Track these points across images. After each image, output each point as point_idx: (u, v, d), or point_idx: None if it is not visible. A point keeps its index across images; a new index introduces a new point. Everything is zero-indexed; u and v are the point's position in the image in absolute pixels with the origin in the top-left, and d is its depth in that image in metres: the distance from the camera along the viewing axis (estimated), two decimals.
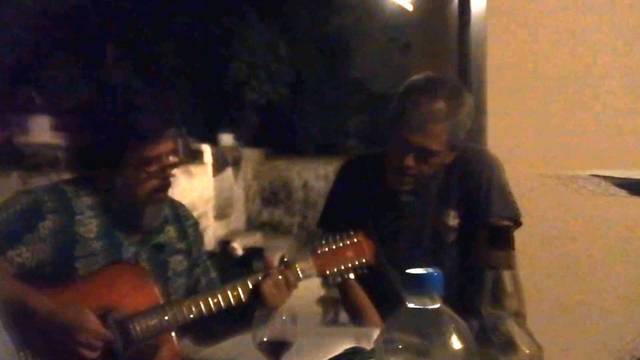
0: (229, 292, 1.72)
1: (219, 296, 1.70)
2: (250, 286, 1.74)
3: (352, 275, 1.85)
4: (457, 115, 1.95)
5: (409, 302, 0.85)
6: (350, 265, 1.84)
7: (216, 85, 11.30)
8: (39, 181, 4.78)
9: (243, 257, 6.84)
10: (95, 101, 1.80)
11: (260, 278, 1.75)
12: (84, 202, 1.78)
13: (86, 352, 1.58)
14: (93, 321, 1.59)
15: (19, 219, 1.70)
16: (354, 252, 1.85)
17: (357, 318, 2.18)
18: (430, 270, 0.84)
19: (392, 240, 1.96)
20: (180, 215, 1.96)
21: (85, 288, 1.69)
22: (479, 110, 2.49)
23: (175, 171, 1.79)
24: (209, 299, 1.70)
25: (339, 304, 2.78)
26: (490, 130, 2.57)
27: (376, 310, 2.14)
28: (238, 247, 7.24)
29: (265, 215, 10.69)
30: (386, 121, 2.06)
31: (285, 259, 1.79)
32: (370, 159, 2.23)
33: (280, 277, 1.74)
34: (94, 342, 1.58)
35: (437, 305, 0.84)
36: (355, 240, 1.85)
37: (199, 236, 2.00)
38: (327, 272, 1.82)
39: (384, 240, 1.98)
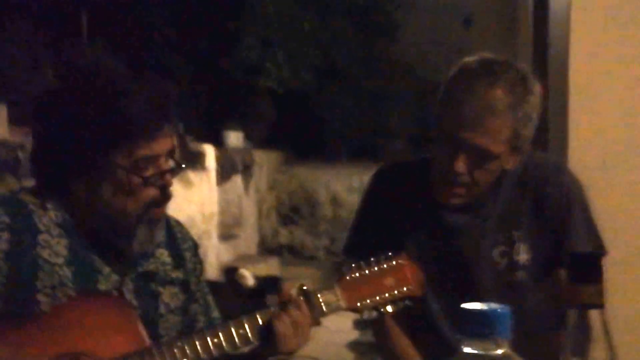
0: (233, 331, 1.74)
1: (221, 335, 1.72)
2: (261, 323, 1.75)
3: (390, 309, 1.86)
4: (522, 107, 1.96)
5: (465, 347, 0.87)
6: (388, 295, 1.85)
7: (222, 69, 11.37)
8: None
9: (255, 288, 6.87)
10: (69, 87, 1.83)
11: (273, 313, 1.75)
12: (51, 217, 1.79)
13: None
14: None
15: None
16: (393, 279, 1.86)
17: None
18: (494, 305, 0.86)
19: (437, 275, 1.95)
20: (176, 236, 1.98)
21: (48, 327, 1.71)
22: (558, 112, 2.48)
23: (172, 180, 1.82)
24: (208, 339, 1.72)
25: (375, 349, 2.79)
26: (572, 139, 2.56)
27: (421, 357, 2.15)
28: (248, 276, 7.27)
29: (284, 236, 10.72)
30: (432, 115, 2.07)
31: (305, 287, 1.81)
32: (411, 167, 2.24)
33: (298, 312, 1.75)
34: None
35: (501, 351, 0.86)
36: (395, 263, 1.85)
37: (199, 263, 2.02)
38: (359, 305, 1.83)
39: (427, 275, 1.98)
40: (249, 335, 1.74)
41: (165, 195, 1.81)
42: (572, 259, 1.03)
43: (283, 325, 1.74)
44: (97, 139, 1.75)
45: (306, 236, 10.68)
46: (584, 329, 1.02)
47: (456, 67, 2.05)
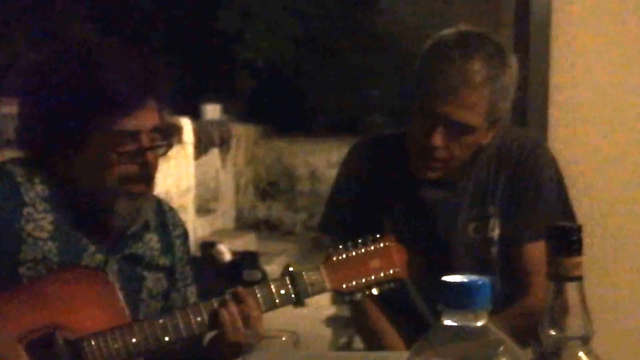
0: (204, 312, 1.74)
1: (203, 313, 1.72)
2: (215, 308, 1.74)
3: (375, 291, 1.87)
4: (499, 80, 1.97)
5: (445, 319, 0.88)
6: (374, 277, 1.86)
7: (199, 40, 11.32)
8: None
9: (232, 264, 6.88)
10: (51, 59, 1.82)
11: (221, 301, 1.73)
12: (37, 191, 1.78)
13: None
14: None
15: None
16: (379, 261, 1.86)
17: (374, 344, 2.20)
18: (474, 277, 0.86)
19: (413, 249, 1.97)
20: (167, 223, 1.97)
21: (28, 298, 1.71)
22: (539, 91, 2.49)
23: (159, 157, 1.79)
24: (191, 317, 1.72)
25: (353, 326, 2.80)
26: (552, 117, 2.57)
27: (398, 335, 2.16)
28: (225, 251, 7.28)
29: (261, 211, 10.74)
30: (409, 88, 2.07)
31: (290, 268, 1.80)
32: (387, 141, 2.24)
33: (246, 304, 1.73)
34: None
35: (480, 323, 0.87)
36: (382, 245, 1.86)
37: (187, 252, 2.01)
38: (344, 286, 1.84)
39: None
40: (205, 322, 1.73)
41: (145, 173, 1.79)
42: (553, 231, 1.04)
43: (228, 316, 1.74)
44: (75, 112, 1.74)
45: (284, 211, 10.71)
46: (562, 301, 1.03)
47: (432, 39, 2.05)
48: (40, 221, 1.77)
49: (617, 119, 2.61)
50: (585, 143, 2.60)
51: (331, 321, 4.68)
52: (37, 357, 1.61)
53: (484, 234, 2.12)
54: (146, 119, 1.77)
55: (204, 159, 8.82)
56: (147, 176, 1.80)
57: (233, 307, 1.74)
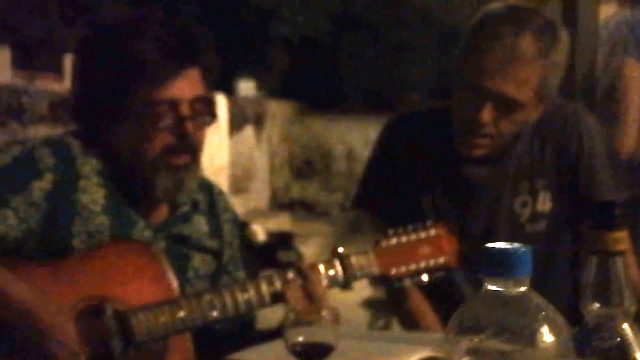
0: (264, 287, 1.79)
1: (252, 291, 1.77)
2: (278, 287, 1.78)
3: (425, 278, 1.91)
4: (550, 55, 1.99)
5: (487, 285, 0.93)
6: (424, 265, 1.90)
7: (233, 15, 11.35)
8: None
9: (265, 245, 6.94)
10: (91, 35, 1.89)
11: (286, 281, 1.78)
12: (92, 164, 1.85)
13: None
14: (69, 331, 1.65)
15: (8, 174, 1.78)
16: (429, 248, 1.90)
17: (412, 327, 2.23)
18: (516, 245, 0.92)
19: (456, 230, 2.00)
20: (217, 206, 2.03)
21: (79, 269, 1.77)
22: (587, 65, 2.50)
23: (202, 130, 1.83)
24: (238, 295, 1.77)
25: (389, 307, 2.83)
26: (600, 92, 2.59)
27: (439, 321, 2.20)
28: (259, 232, 7.35)
29: (296, 190, 10.78)
30: (455, 63, 2.09)
31: (340, 250, 1.85)
32: (427, 117, 2.26)
33: (312, 285, 1.78)
34: (62, 357, 1.63)
35: (523, 289, 0.92)
36: (433, 233, 1.90)
37: (237, 237, 2.06)
38: (393, 272, 1.88)
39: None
40: (266, 297, 1.78)
41: (185, 144, 1.83)
42: (594, 206, 1.08)
43: (294, 297, 1.78)
44: (115, 83, 1.80)
45: (319, 191, 10.73)
46: (605, 276, 1.07)
47: (480, 14, 2.07)
48: (94, 194, 1.84)
49: None
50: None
51: (368, 304, 4.73)
52: (85, 327, 1.68)
53: (533, 208, 2.14)
54: (185, 88, 1.81)
55: (238, 137, 8.87)
56: (189, 148, 1.84)
57: (297, 284, 1.79)
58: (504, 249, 0.92)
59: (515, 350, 0.88)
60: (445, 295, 2.16)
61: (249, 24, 11.33)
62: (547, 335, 0.90)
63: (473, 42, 2.03)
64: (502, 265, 0.91)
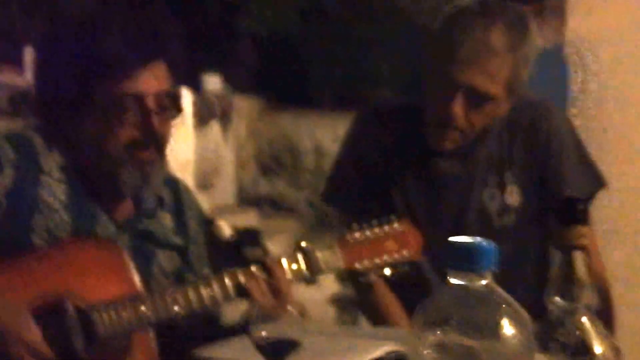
0: (227, 282, 1.79)
1: (215, 286, 1.78)
2: (242, 281, 1.79)
3: (388, 272, 1.93)
4: (520, 48, 2.02)
5: (451, 278, 0.95)
6: (388, 259, 1.92)
7: (199, 8, 11.31)
8: None
9: (232, 241, 6.92)
10: (55, 27, 1.87)
11: (249, 274, 1.78)
12: (55, 159, 1.84)
13: None
14: (32, 330, 1.64)
15: None
16: (394, 242, 1.93)
17: (378, 322, 2.25)
18: (479, 239, 0.94)
19: (426, 224, 2.01)
20: (183, 203, 2.03)
21: (37, 266, 1.76)
22: (557, 55, 2.52)
23: (168, 124, 1.82)
24: (202, 290, 1.78)
25: (355, 303, 2.85)
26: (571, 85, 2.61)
27: (406, 316, 2.21)
28: (225, 228, 7.32)
29: (263, 186, 10.77)
30: (426, 56, 2.11)
31: (303, 244, 1.86)
32: (396, 110, 2.28)
33: (277, 278, 1.79)
34: (28, 358, 1.63)
35: (485, 282, 0.94)
36: (398, 228, 1.92)
37: (202, 233, 2.06)
38: (357, 266, 1.90)
39: (415, 223, 2.04)
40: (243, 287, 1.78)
41: (151, 139, 1.82)
42: (559, 202, 1.10)
43: (256, 287, 1.79)
44: (78, 76, 1.79)
45: (287, 187, 10.73)
46: (568, 271, 1.09)
47: (451, 7, 2.09)
48: (55, 190, 1.83)
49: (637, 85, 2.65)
50: (606, 110, 2.65)
51: (335, 301, 4.75)
52: (46, 324, 1.67)
53: (501, 201, 2.17)
54: (151, 82, 1.81)
55: (203, 131, 8.84)
56: (155, 142, 1.84)
57: (261, 278, 1.79)
58: (468, 242, 0.93)
59: (477, 343, 0.90)
60: (416, 290, 2.19)
61: (216, 17, 11.29)
62: (508, 329, 0.92)
63: (444, 34, 2.06)
64: (465, 258, 0.93)
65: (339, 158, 2.33)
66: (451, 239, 0.96)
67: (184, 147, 8.04)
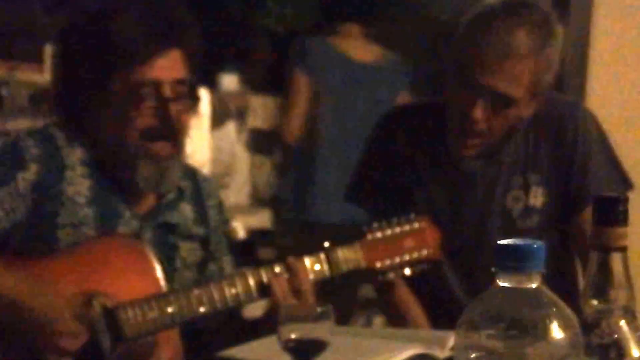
0: (251, 281, 1.81)
1: (239, 285, 1.79)
2: (265, 281, 1.80)
3: (408, 272, 1.94)
4: (544, 51, 2.02)
5: (500, 281, 0.96)
6: (408, 258, 1.94)
7: (217, 5, 11.32)
8: None
9: (246, 242, 6.93)
10: (72, 22, 1.89)
11: (273, 275, 1.79)
12: (77, 154, 1.86)
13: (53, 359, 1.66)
14: (68, 319, 1.67)
15: None
16: (414, 241, 1.95)
17: (399, 325, 2.26)
18: (528, 240, 0.95)
19: (449, 224, 2.03)
20: (202, 192, 2.05)
21: (66, 264, 1.79)
22: (578, 52, 2.53)
23: (185, 114, 1.84)
24: (226, 289, 1.80)
25: (373, 305, 2.85)
26: (591, 82, 2.62)
27: (426, 316, 2.22)
28: (239, 228, 7.34)
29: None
30: (447, 58, 2.12)
31: (326, 244, 1.88)
32: (421, 111, 2.29)
33: (298, 279, 1.81)
34: (66, 346, 1.66)
35: (534, 285, 0.95)
36: (417, 226, 1.94)
37: (222, 222, 2.08)
38: (378, 265, 1.92)
39: (437, 223, 2.06)
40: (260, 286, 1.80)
41: (167, 129, 1.84)
42: (597, 200, 1.11)
43: (280, 291, 1.80)
44: (95, 66, 1.81)
45: None
46: (606, 272, 1.09)
47: (475, 8, 2.09)
48: (79, 185, 1.85)
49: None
50: (622, 113, 2.65)
51: (352, 300, 4.73)
52: (73, 323, 1.69)
53: (525, 202, 2.18)
54: (167, 69, 1.83)
55: (218, 131, 8.84)
56: (171, 133, 1.86)
57: (283, 278, 1.81)
58: (517, 244, 0.94)
59: (525, 346, 0.91)
60: (434, 289, 2.20)
61: (233, 15, 11.29)
62: (557, 332, 0.93)
63: (467, 37, 2.06)
64: (514, 260, 0.94)
65: (363, 156, 2.34)
66: (500, 241, 0.97)
67: (199, 148, 8.06)
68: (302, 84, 4.90)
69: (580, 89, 2.71)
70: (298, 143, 4.91)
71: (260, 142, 9.87)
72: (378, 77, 5.06)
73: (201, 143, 8.17)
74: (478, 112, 2.05)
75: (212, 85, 9.24)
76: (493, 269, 0.97)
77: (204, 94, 8.90)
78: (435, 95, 2.28)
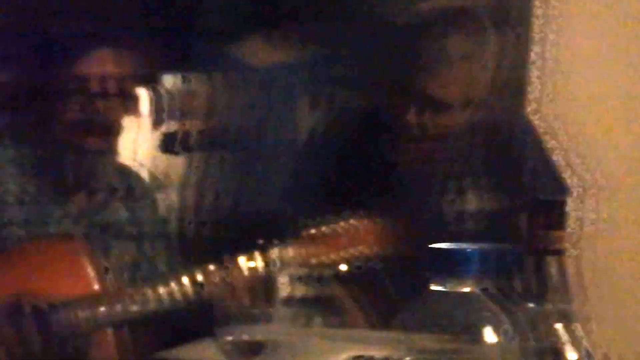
0: (185, 281, 1.79)
1: (174, 285, 1.77)
2: (200, 279, 1.79)
3: (344, 268, 1.93)
4: (480, 58, 2.02)
5: (433, 285, 0.94)
6: (344, 255, 1.93)
7: (158, 3, 11.21)
8: None
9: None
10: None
11: (207, 272, 1.79)
12: (7, 154, 1.82)
13: None
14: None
15: None
16: (350, 238, 1.94)
17: (337, 324, 2.26)
18: (463, 245, 0.94)
19: (384, 223, 2.03)
20: (136, 191, 2.01)
21: None
22: (517, 59, 2.55)
23: (117, 112, 1.81)
24: (160, 289, 1.77)
25: (312, 304, 2.86)
26: (531, 88, 2.63)
27: (362, 314, 2.22)
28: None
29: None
30: (381, 64, 2.12)
31: (260, 241, 1.86)
32: (356, 116, 2.29)
33: (232, 275, 1.80)
34: None
35: (469, 289, 0.94)
36: (354, 223, 1.93)
37: (157, 221, 2.05)
38: (315, 263, 1.90)
39: (373, 222, 2.05)
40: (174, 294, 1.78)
41: (96, 124, 1.81)
42: (532, 204, 1.10)
43: (213, 287, 1.79)
44: (24, 63, 1.77)
45: None
46: (542, 276, 1.09)
47: (409, 14, 2.09)
48: (8, 185, 1.81)
49: (601, 94, 2.67)
50: (566, 114, 2.67)
51: (290, 300, 4.74)
52: (3, 324, 1.65)
53: (460, 207, 2.18)
54: (96, 65, 1.79)
55: (159, 131, 8.78)
56: (100, 130, 1.82)
57: (217, 278, 1.79)
58: (451, 248, 0.93)
59: (459, 350, 0.90)
60: (369, 287, 2.19)
61: (176, 15, 11.18)
62: (491, 336, 0.92)
63: (402, 43, 2.06)
64: (448, 264, 0.93)
65: (302, 160, 2.33)
66: (434, 245, 0.96)
67: (140, 149, 7.98)
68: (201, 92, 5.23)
69: (520, 95, 2.73)
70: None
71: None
72: (279, 79, 5.36)
73: (142, 144, 8.09)
74: (412, 119, 2.06)
75: (153, 84, 9.16)
76: (427, 274, 0.96)
77: (142, 93, 8.86)
78: (368, 98, 2.28)
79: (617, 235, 2.66)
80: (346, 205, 2.07)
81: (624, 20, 2.61)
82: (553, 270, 1.09)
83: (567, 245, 1.09)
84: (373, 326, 2.12)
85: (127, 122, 1.87)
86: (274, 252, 1.90)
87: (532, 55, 2.67)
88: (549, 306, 1.09)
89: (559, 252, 1.08)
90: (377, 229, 1.96)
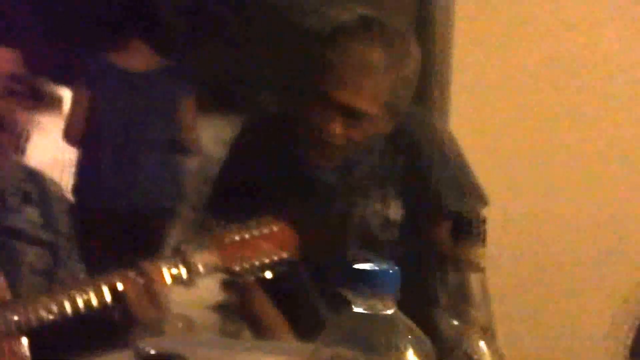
0: (103, 287, 1.76)
1: (91, 292, 1.74)
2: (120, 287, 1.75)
3: (268, 274, 1.92)
4: (400, 69, 2.04)
5: (354, 306, 0.94)
6: (266, 260, 1.92)
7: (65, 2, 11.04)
8: None
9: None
10: None
11: (125, 277, 1.75)
12: None
13: None
14: None
15: None
16: (272, 243, 1.93)
17: (259, 331, 2.25)
18: (385, 265, 0.93)
19: (306, 231, 2.03)
20: (50, 197, 1.97)
21: None
22: (442, 76, 2.56)
23: (20, 112, 1.77)
24: (76, 296, 1.74)
25: (233, 311, 2.83)
26: (454, 104, 2.66)
27: (284, 322, 2.21)
28: None
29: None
30: (303, 73, 2.12)
31: (181, 248, 1.84)
32: (280, 122, 2.28)
33: (151, 279, 1.77)
34: None
35: (390, 311, 0.93)
36: (275, 229, 1.92)
37: (72, 228, 2.01)
38: (237, 268, 1.89)
39: (295, 228, 2.06)
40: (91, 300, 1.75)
41: None
42: (456, 221, 1.11)
43: (133, 292, 1.75)
44: None
45: None
46: (464, 292, 1.09)
47: (330, 24, 2.09)
48: None
49: (519, 105, 2.71)
50: (487, 128, 2.70)
51: (219, 308, 4.70)
52: None
53: (384, 216, 2.20)
54: None
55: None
56: (1, 128, 1.79)
57: (138, 283, 1.76)
58: (372, 269, 0.92)
59: None
60: (291, 295, 2.19)
61: (83, 10, 11.03)
62: (412, 357, 0.91)
63: (323, 53, 2.06)
64: (369, 285, 0.92)
65: (220, 174, 2.33)
66: (357, 265, 0.95)
67: (63, 149, 7.85)
68: (80, 98, 5.95)
69: (444, 107, 2.75)
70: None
71: None
72: (156, 84, 5.76)
73: (64, 145, 7.95)
74: (335, 128, 2.06)
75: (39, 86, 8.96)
76: (347, 294, 0.95)
77: (66, 93, 8.68)
78: (285, 106, 2.28)
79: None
80: (266, 211, 2.06)
81: (535, 39, 2.66)
82: (475, 286, 1.09)
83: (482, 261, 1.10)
84: (298, 336, 2.12)
85: (26, 123, 1.82)
86: (196, 257, 1.87)
87: (451, 69, 2.71)
88: (472, 322, 1.09)
89: (480, 269, 1.09)
90: (296, 233, 1.95)
